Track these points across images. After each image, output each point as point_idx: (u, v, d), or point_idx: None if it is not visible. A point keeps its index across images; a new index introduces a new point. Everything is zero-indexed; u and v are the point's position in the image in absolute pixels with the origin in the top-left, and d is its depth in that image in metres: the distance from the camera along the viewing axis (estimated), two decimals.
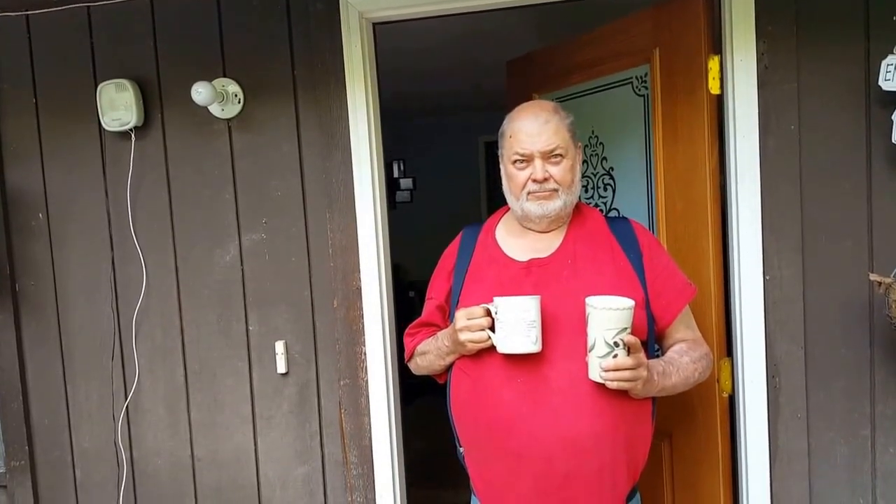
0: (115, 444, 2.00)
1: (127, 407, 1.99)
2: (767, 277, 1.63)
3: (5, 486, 2.06)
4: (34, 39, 1.96)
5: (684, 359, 1.34)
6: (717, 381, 1.69)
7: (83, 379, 2.02)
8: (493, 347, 1.28)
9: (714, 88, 1.66)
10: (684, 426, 1.74)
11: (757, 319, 1.64)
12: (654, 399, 1.36)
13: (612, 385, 1.20)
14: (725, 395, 1.71)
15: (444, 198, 5.46)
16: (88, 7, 1.91)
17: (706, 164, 1.67)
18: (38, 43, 1.96)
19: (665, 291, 1.37)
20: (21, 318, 2.03)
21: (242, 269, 1.92)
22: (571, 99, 2.00)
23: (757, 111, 1.61)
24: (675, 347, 1.38)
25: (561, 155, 1.34)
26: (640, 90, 1.84)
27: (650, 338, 1.36)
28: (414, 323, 1.54)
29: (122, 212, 1.94)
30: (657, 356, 1.38)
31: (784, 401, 1.64)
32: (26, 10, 1.93)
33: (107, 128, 1.90)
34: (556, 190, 1.34)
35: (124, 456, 2.00)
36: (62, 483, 2.06)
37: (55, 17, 1.93)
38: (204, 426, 1.97)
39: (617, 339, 1.18)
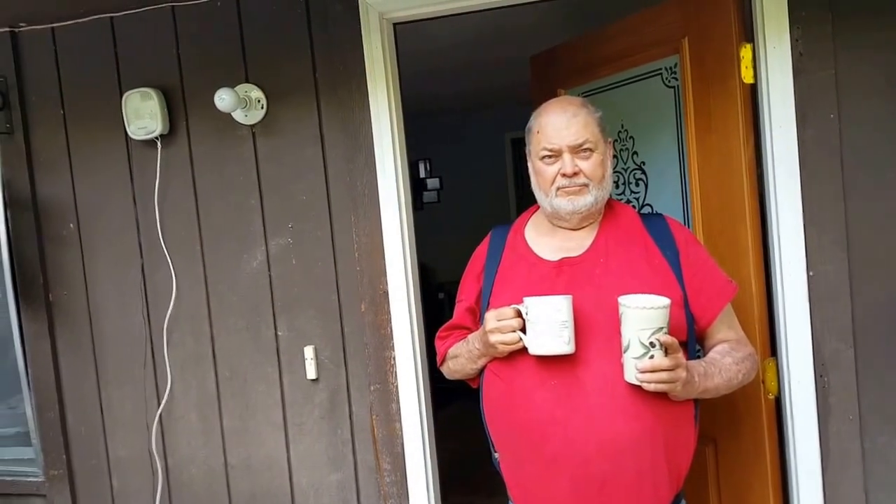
0: (150, 452, 2.01)
1: (160, 415, 2.00)
2: (811, 273, 1.57)
3: (44, 495, 2.09)
4: (60, 51, 1.99)
5: (727, 359, 1.29)
6: (763, 383, 1.63)
7: (116, 387, 2.04)
8: (525, 349, 1.24)
9: (747, 77, 1.61)
10: (729, 430, 1.68)
11: (802, 317, 1.58)
12: (696, 402, 1.31)
13: (650, 387, 1.16)
14: (771, 396, 1.65)
15: (471, 197, 5.41)
16: (112, 17, 1.93)
17: (742, 156, 1.61)
18: (64, 55, 1.99)
19: (704, 289, 1.32)
20: (55, 327, 2.06)
21: (270, 275, 1.91)
22: (599, 93, 1.95)
23: (793, 100, 1.56)
24: (718, 348, 1.33)
25: (590, 149, 1.30)
26: (670, 81, 1.78)
27: (690, 338, 1.31)
28: (444, 326, 1.51)
29: (150, 220, 1.96)
30: (698, 357, 1.33)
31: (834, 402, 1.57)
32: (52, 23, 1.96)
33: (133, 136, 1.91)
34: (586, 185, 1.31)
35: (159, 464, 2.01)
36: (100, 491, 2.08)
37: (79, 28, 1.95)
38: (236, 433, 1.97)
39: (653, 339, 1.14)
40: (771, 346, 1.66)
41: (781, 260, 1.59)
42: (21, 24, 1.97)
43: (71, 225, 2.03)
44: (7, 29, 1.97)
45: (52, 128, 2.01)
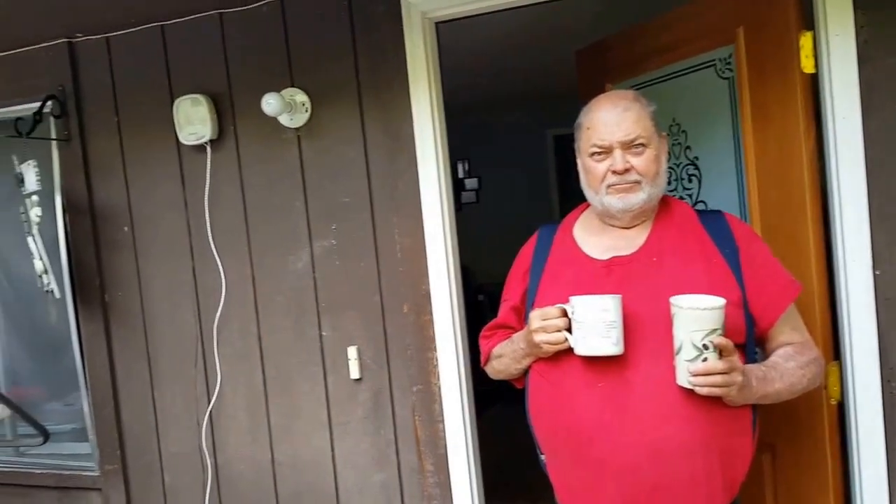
0: (200, 449, 2.05)
1: (210, 412, 2.04)
2: (878, 272, 1.49)
3: (100, 489, 2.17)
4: (114, 60, 2.05)
5: (790, 364, 1.23)
6: (825, 388, 1.55)
7: (169, 385, 2.10)
8: (571, 350, 1.21)
9: (808, 67, 1.54)
10: (788, 437, 1.61)
11: (867, 319, 1.50)
12: (754, 407, 1.25)
13: (702, 391, 1.12)
14: (834, 402, 1.57)
15: (511, 197, 5.27)
16: (162, 26, 1.99)
17: (802, 149, 1.54)
18: (118, 64, 2.05)
19: (766, 289, 1.26)
20: (111, 327, 2.13)
21: (314, 276, 1.93)
22: (649, 86, 1.89)
23: (858, 90, 1.49)
24: (780, 351, 1.27)
25: (643, 144, 1.26)
26: (724, 73, 1.72)
27: (749, 340, 1.25)
28: (489, 325, 1.50)
29: (200, 223, 2.00)
30: (756, 360, 1.27)
31: None
32: (106, 33, 2.03)
33: (184, 142, 1.96)
34: (638, 182, 1.26)
35: (209, 460, 2.05)
36: (152, 486, 2.14)
37: (132, 37, 2.02)
38: (283, 431, 1.99)
39: (706, 342, 1.10)
40: (834, 349, 1.58)
41: (845, 258, 1.52)
42: (77, 35, 2.05)
43: (125, 228, 2.10)
44: (65, 40, 2.05)
45: (107, 134, 2.08)
